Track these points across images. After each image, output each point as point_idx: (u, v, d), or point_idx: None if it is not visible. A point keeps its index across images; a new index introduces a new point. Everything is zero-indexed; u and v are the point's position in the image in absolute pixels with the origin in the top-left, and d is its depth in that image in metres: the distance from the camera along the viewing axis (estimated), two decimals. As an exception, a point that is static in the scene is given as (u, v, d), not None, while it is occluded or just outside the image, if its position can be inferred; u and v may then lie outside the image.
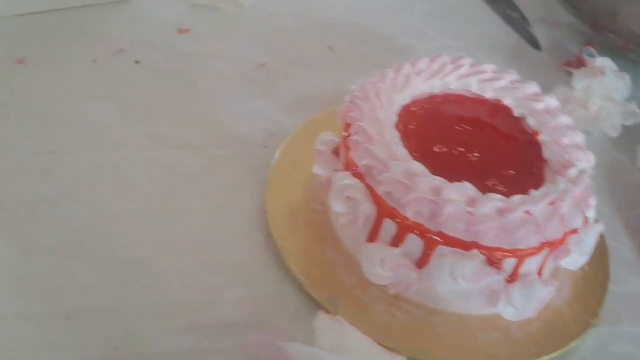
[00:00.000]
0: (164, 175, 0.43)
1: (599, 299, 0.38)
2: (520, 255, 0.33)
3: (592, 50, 0.56)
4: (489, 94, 0.41)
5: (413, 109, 0.38)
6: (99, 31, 0.53)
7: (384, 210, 0.33)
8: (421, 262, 0.33)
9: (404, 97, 0.38)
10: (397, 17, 0.61)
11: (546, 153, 0.37)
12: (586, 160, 0.36)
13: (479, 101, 0.40)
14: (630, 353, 0.37)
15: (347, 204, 0.35)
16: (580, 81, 0.53)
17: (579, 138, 0.38)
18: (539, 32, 0.62)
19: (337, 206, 0.35)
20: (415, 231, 0.33)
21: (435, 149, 0.36)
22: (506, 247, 0.32)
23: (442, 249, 0.32)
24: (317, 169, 0.40)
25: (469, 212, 0.32)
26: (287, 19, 0.59)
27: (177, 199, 0.41)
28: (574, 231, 0.34)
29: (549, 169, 0.37)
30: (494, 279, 0.32)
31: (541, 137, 0.38)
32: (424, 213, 0.32)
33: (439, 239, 0.32)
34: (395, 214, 0.33)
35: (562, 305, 0.37)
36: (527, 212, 0.32)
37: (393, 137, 0.35)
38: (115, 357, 0.32)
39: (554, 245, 0.33)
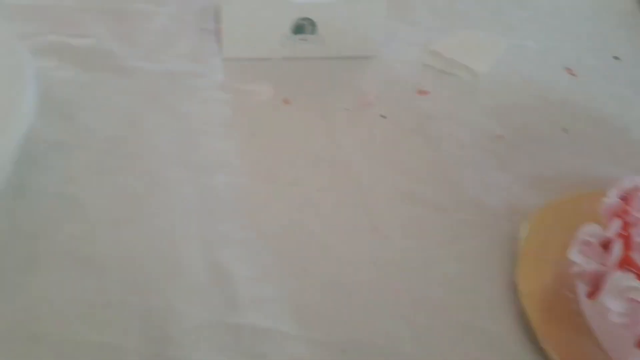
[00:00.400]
0: (413, 230, 0.45)
1: None
2: None
3: None
4: None
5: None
6: (350, 83, 0.58)
7: (672, 321, 0.33)
8: None
9: (687, 206, 0.38)
10: (635, 110, 0.60)
11: None
12: None
13: None
14: None
15: (627, 305, 0.35)
16: None
17: None
18: None
19: (613, 305, 0.36)
20: None
21: None
22: None
23: None
24: (578, 258, 0.40)
25: None
26: (520, 94, 0.60)
27: (426, 256, 0.44)
28: None
29: None
30: None
31: None
32: None
33: None
34: (686, 328, 0.33)
35: None
36: None
37: (688, 249, 0.34)
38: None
39: None
